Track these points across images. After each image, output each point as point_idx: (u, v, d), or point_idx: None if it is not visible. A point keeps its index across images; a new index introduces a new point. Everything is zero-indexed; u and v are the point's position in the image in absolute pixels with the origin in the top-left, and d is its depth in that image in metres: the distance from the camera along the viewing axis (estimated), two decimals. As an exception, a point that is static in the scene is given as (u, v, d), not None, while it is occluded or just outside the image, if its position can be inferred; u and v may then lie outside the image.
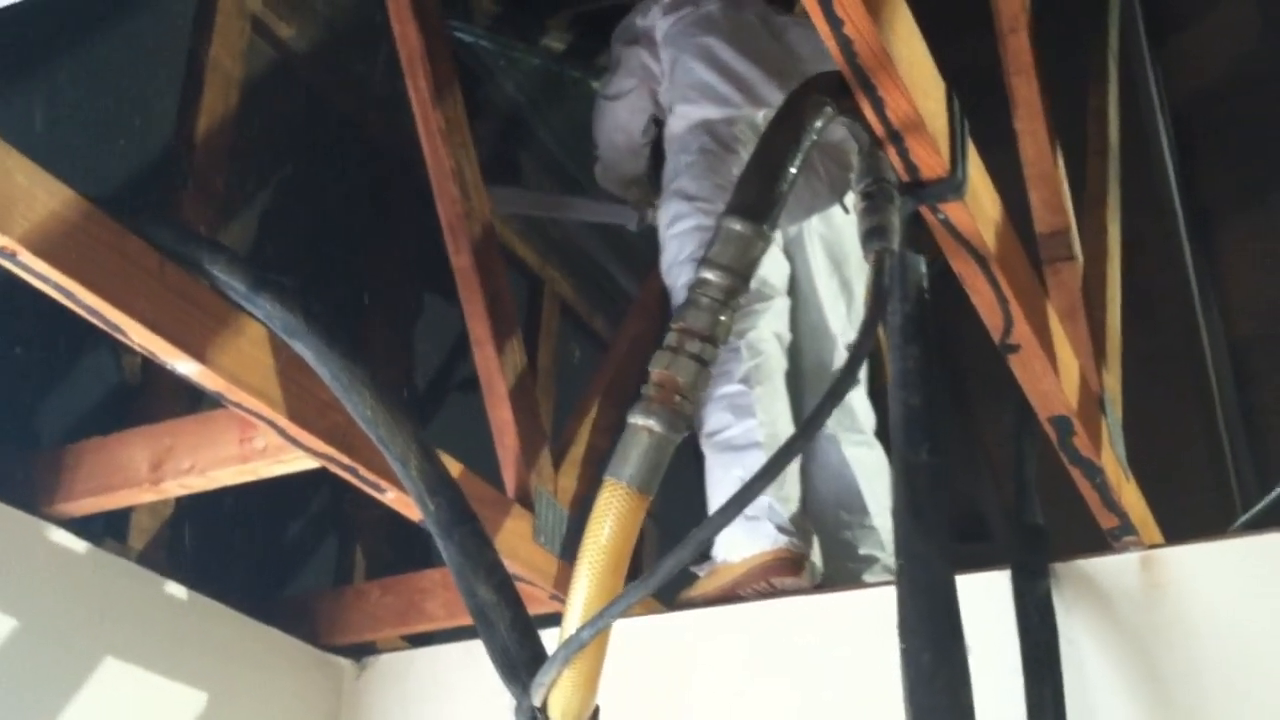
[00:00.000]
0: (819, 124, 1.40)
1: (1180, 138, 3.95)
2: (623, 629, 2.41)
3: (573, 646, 1.22)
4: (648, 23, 3.13)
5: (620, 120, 3.20)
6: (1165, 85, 3.89)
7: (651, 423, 1.25)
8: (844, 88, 1.42)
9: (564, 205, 3.57)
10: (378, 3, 2.68)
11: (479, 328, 2.52)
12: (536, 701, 1.28)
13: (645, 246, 3.30)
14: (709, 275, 1.30)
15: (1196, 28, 3.94)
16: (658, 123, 3.19)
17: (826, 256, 2.91)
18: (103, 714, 2.16)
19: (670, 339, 1.29)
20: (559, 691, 1.26)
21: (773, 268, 2.84)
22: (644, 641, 2.46)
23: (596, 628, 1.20)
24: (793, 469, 2.64)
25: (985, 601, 2.08)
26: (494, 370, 2.50)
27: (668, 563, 1.19)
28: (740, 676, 2.35)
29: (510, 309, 2.60)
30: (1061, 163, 2.29)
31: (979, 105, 2.45)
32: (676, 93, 3.00)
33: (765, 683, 2.32)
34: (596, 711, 1.32)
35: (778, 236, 2.87)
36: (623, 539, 1.24)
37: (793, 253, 2.92)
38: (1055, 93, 2.46)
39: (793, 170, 1.36)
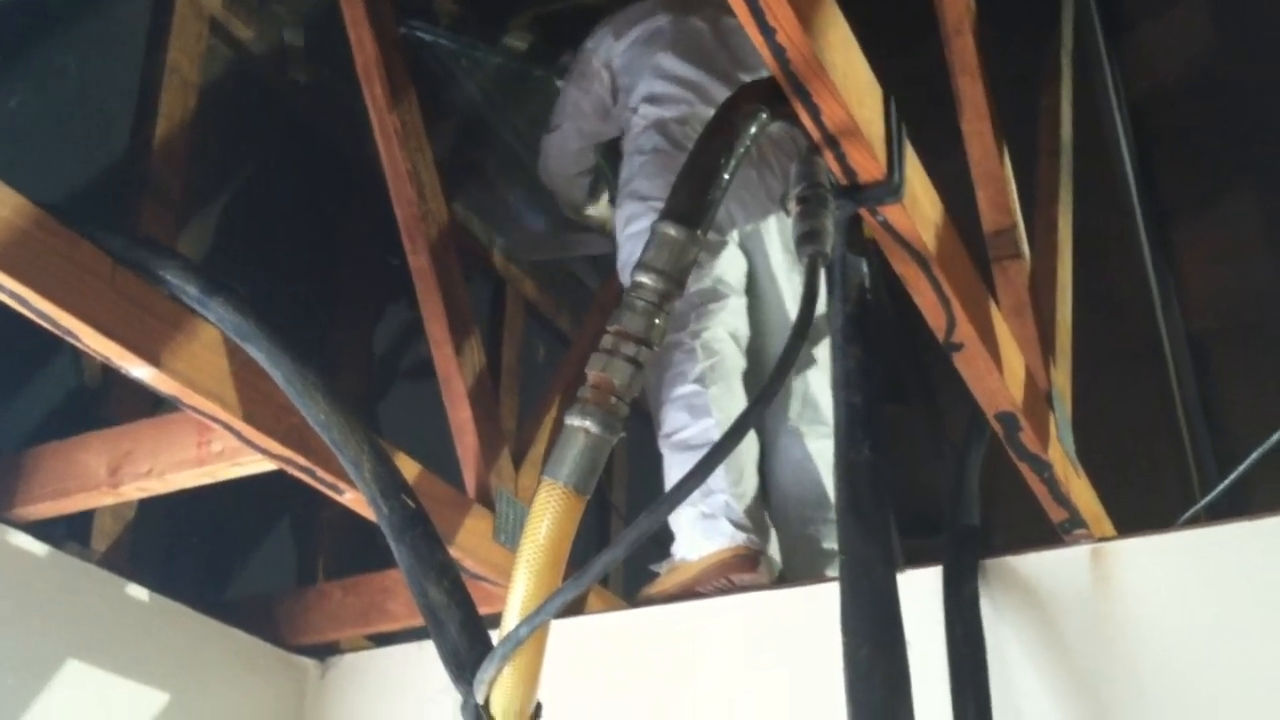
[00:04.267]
0: (753, 130, 1.43)
1: (1139, 135, 3.97)
2: (600, 625, 2.47)
3: (510, 643, 1.23)
4: (602, 53, 3.15)
5: (552, 153, 3.28)
6: (1123, 83, 3.92)
7: (588, 424, 1.27)
8: (780, 94, 1.44)
9: (570, 244, 3.63)
10: (336, 6, 2.69)
11: (437, 328, 2.54)
12: (479, 699, 1.30)
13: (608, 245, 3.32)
14: (644, 279, 1.32)
15: (1152, 25, 3.97)
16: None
17: (784, 250, 2.92)
18: (65, 717, 2.17)
19: (606, 341, 1.30)
20: (500, 688, 1.28)
21: (729, 266, 2.86)
22: (625, 637, 2.49)
23: (533, 624, 1.22)
24: (749, 465, 2.66)
25: (924, 598, 2.10)
26: (452, 370, 2.52)
27: (600, 561, 1.21)
28: (719, 671, 2.37)
29: (468, 309, 2.62)
30: (1008, 162, 2.32)
31: (938, 108, 2.49)
32: (635, 100, 3.03)
33: (755, 675, 2.34)
34: (539, 708, 1.34)
35: (735, 234, 2.89)
36: (560, 537, 1.25)
37: (750, 249, 2.93)
38: (1010, 91, 2.47)
39: (726, 176, 1.38)
